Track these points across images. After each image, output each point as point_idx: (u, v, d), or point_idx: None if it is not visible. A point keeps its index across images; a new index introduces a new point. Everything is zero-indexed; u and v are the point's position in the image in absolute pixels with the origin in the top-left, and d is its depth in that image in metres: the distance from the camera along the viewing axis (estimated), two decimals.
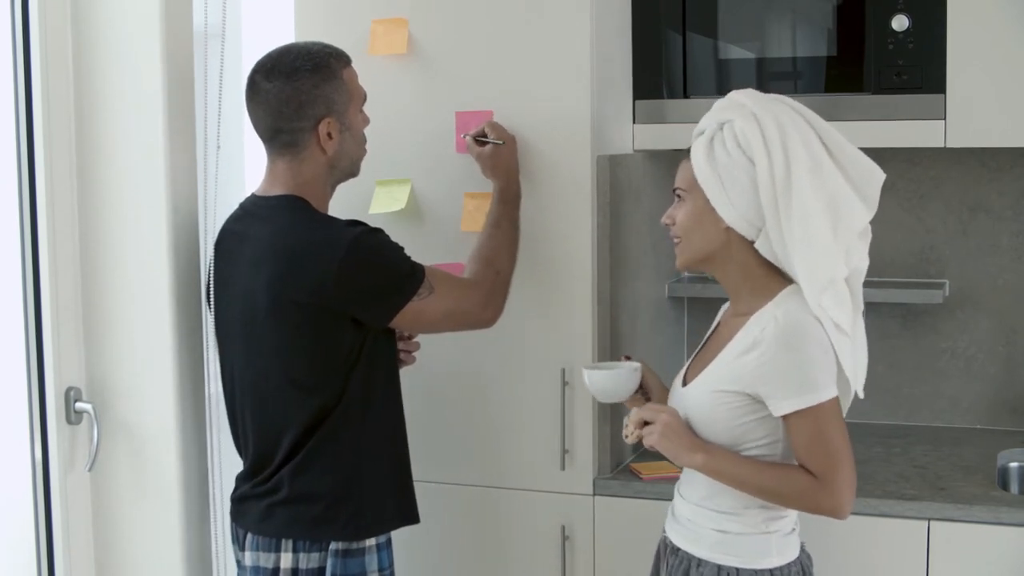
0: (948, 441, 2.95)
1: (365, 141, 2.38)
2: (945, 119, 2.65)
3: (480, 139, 2.55)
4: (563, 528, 2.66)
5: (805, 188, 2.01)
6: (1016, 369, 3.05)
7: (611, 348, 2.66)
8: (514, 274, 2.47)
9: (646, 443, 2.09)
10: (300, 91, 2.25)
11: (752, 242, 2.07)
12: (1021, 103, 2.61)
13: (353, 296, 2.20)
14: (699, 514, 2.13)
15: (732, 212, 2.05)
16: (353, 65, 2.35)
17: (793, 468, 2.04)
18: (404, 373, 2.48)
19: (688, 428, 2.09)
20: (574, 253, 2.62)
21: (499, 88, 2.63)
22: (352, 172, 2.38)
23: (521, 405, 2.67)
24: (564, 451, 2.64)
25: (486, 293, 2.39)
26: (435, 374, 2.68)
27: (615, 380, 2.26)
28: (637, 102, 2.85)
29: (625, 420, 2.16)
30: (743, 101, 2.07)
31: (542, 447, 2.66)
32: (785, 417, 2.01)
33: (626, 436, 2.14)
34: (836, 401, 2.02)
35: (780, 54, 2.85)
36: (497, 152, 2.54)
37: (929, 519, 2.45)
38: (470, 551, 2.75)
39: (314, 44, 2.32)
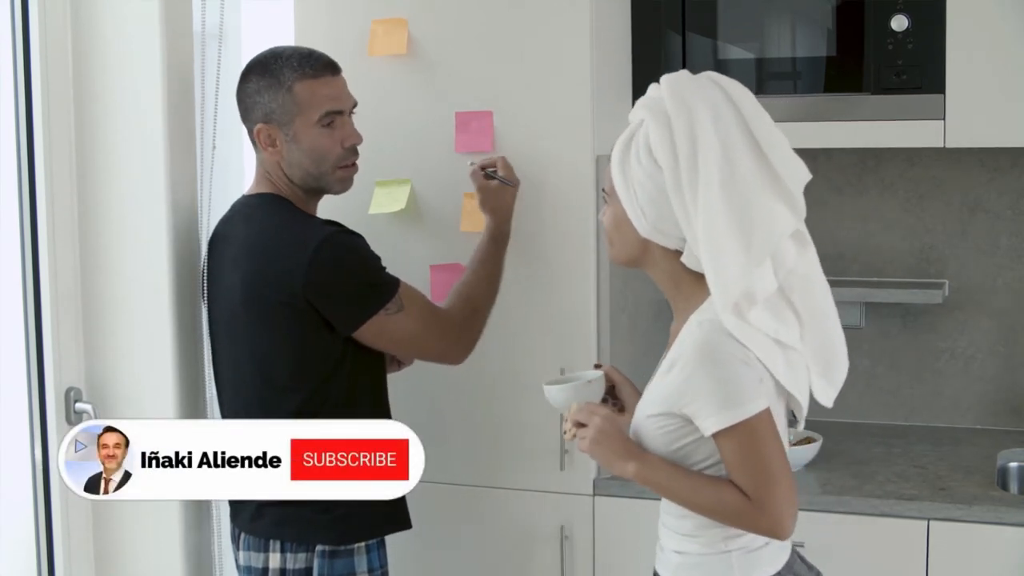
0: (948, 441, 2.95)
1: (330, 158, 2.30)
2: (944, 119, 2.64)
3: (490, 173, 2.51)
4: (562, 528, 2.66)
5: (713, 199, 1.86)
6: (1016, 369, 3.05)
7: (611, 348, 2.66)
8: (513, 276, 2.47)
9: (579, 448, 2.00)
10: (245, 93, 2.31)
11: (676, 252, 1.94)
12: (1021, 103, 2.61)
13: (320, 295, 2.19)
14: (665, 535, 2.04)
15: (645, 223, 1.93)
16: (329, 77, 2.30)
17: (729, 486, 1.88)
18: (405, 373, 2.48)
19: (623, 433, 1.97)
20: (575, 253, 2.62)
21: (499, 88, 2.63)
22: (318, 188, 2.33)
23: (521, 405, 2.67)
24: (563, 451, 2.64)
25: (457, 329, 2.36)
26: (435, 374, 2.67)
27: (573, 393, 2.09)
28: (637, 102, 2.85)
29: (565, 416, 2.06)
30: (661, 95, 1.93)
31: (542, 447, 2.66)
32: (714, 435, 1.87)
33: (564, 432, 2.03)
34: (766, 415, 1.87)
35: (780, 54, 2.85)
36: (502, 191, 2.50)
37: (929, 519, 2.45)
38: (469, 551, 2.75)
39: (288, 49, 2.32)
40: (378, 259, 2.28)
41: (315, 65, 2.29)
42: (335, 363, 2.24)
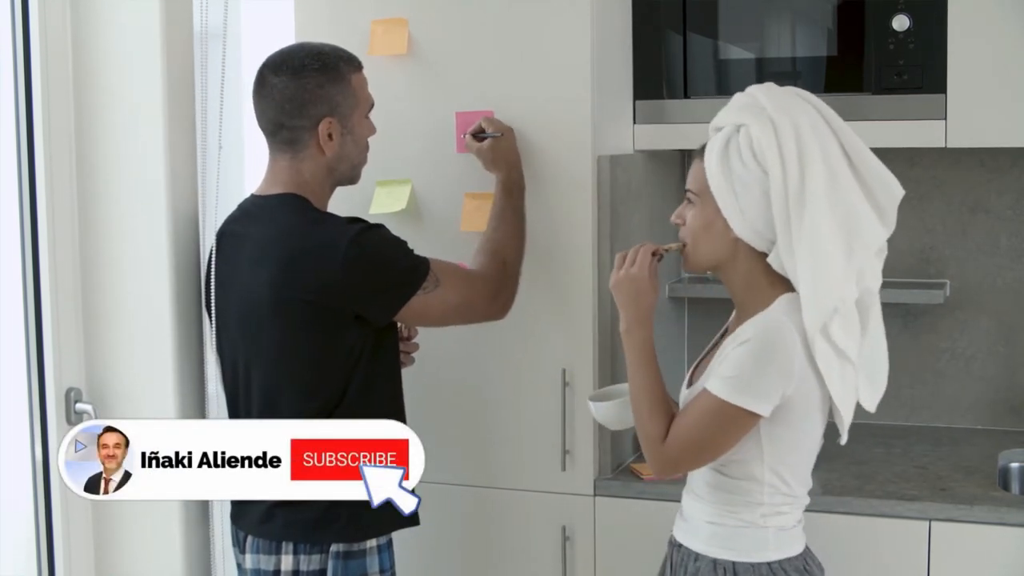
0: (949, 441, 2.95)
1: (367, 149, 2.38)
2: (945, 119, 2.65)
3: (478, 135, 2.55)
4: (564, 529, 2.66)
5: (820, 205, 1.95)
6: (1016, 369, 3.05)
7: (611, 348, 2.65)
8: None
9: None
10: (304, 89, 2.26)
11: (762, 253, 2.02)
12: (1021, 103, 2.61)
13: (356, 294, 2.20)
14: (694, 507, 2.13)
15: (743, 224, 2.00)
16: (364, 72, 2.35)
17: (667, 417, 2.03)
18: (405, 373, 2.47)
19: (647, 298, 2.06)
20: (575, 253, 2.62)
21: (499, 88, 2.63)
22: (352, 178, 2.37)
23: (522, 405, 2.67)
24: (565, 451, 2.64)
25: (494, 285, 2.39)
26: (436, 374, 2.68)
27: (619, 410, 2.22)
28: (637, 102, 2.85)
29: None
30: (763, 103, 1.99)
31: (543, 447, 2.66)
32: (704, 389, 1.99)
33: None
34: (748, 417, 1.96)
35: (780, 54, 2.85)
36: (496, 145, 2.54)
37: (930, 519, 2.45)
38: (471, 552, 2.75)
39: (327, 45, 2.33)
40: (404, 244, 2.29)
41: (355, 58, 2.34)
42: (356, 358, 2.24)
